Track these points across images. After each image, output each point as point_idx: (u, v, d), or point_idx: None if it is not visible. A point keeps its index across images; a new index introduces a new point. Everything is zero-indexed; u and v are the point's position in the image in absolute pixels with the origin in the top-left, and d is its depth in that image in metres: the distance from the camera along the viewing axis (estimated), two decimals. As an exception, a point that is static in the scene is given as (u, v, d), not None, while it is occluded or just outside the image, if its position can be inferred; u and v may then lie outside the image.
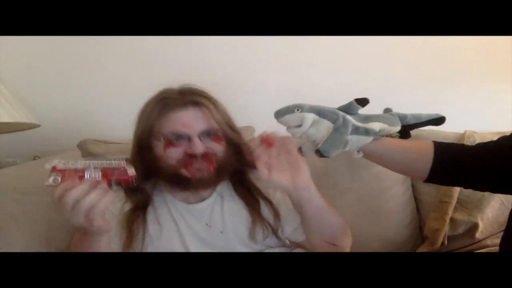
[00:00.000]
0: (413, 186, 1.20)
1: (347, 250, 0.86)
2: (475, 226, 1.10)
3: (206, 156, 0.79)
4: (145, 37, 1.34)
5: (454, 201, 1.11)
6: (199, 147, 0.77)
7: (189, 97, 0.81)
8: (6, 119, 1.09)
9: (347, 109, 0.75)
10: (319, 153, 0.71)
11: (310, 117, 0.71)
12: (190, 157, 0.78)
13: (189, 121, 0.78)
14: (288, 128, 0.73)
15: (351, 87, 1.42)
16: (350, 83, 1.42)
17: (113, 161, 0.66)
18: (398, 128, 0.80)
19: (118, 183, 0.65)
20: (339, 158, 1.13)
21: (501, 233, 1.13)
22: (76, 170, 0.64)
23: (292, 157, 0.76)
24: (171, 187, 0.85)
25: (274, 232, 0.85)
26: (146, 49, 1.38)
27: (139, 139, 0.82)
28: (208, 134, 0.80)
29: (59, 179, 0.63)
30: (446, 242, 1.10)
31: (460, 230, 1.11)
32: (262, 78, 1.41)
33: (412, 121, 0.82)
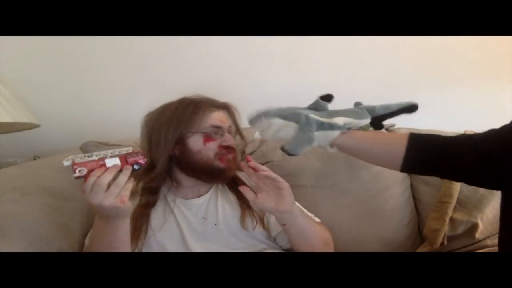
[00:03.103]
0: (412, 186, 1.20)
1: None
2: (474, 226, 1.10)
3: (233, 148, 0.94)
4: (146, 37, 1.34)
5: (453, 201, 1.11)
6: (231, 139, 0.94)
7: (217, 102, 0.96)
8: (6, 119, 1.09)
9: (315, 106, 0.81)
10: (287, 152, 0.77)
11: (276, 122, 0.78)
12: (224, 148, 0.92)
13: (223, 118, 0.94)
14: (260, 133, 0.82)
15: (351, 87, 1.42)
16: (350, 83, 1.42)
17: (123, 149, 0.74)
18: (367, 120, 0.83)
19: (139, 164, 0.74)
20: (338, 158, 1.15)
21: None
22: (96, 161, 0.71)
23: (277, 184, 0.81)
24: (195, 179, 0.94)
25: (261, 221, 0.92)
26: (147, 49, 1.38)
27: (178, 138, 0.90)
28: (230, 131, 0.96)
29: (85, 170, 0.69)
30: (445, 242, 1.10)
31: (460, 230, 1.11)
32: (262, 78, 1.41)
33: (381, 112, 0.84)
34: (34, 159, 1.29)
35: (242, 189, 0.85)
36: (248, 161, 0.83)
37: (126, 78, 1.40)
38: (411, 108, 0.83)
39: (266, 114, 0.79)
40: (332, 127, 0.77)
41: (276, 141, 0.83)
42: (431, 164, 0.72)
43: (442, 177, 0.76)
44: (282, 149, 0.80)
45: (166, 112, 0.93)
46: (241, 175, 0.98)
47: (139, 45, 1.37)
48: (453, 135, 0.74)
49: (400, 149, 0.73)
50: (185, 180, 0.94)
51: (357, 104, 0.86)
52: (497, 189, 0.74)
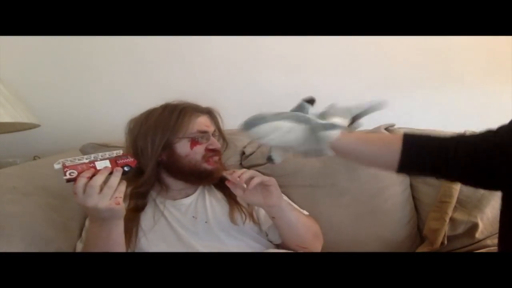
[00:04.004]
0: (411, 186, 1.20)
1: (318, 250, 0.98)
2: (475, 226, 1.10)
3: (218, 151, 0.97)
4: (146, 37, 1.34)
5: (454, 201, 1.11)
6: (217, 143, 0.97)
7: (201, 107, 0.99)
8: (6, 119, 1.09)
9: (299, 110, 0.77)
10: (321, 153, 0.72)
11: (284, 125, 0.72)
12: (210, 151, 0.94)
13: (207, 122, 0.97)
14: (260, 138, 0.72)
15: (351, 87, 1.42)
16: (350, 83, 1.42)
17: (113, 152, 0.74)
18: (347, 121, 0.81)
19: (129, 166, 0.74)
20: (337, 158, 1.14)
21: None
22: (86, 163, 0.70)
23: (264, 182, 0.83)
24: (184, 183, 0.97)
25: (251, 215, 0.94)
26: (147, 50, 1.38)
27: (165, 144, 0.92)
28: (214, 135, 0.98)
29: (75, 172, 0.69)
30: (446, 242, 1.10)
31: (460, 230, 1.11)
32: (262, 78, 1.41)
33: (356, 112, 0.82)
34: (34, 159, 1.29)
35: (230, 184, 0.86)
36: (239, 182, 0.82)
37: (126, 78, 1.40)
38: (378, 107, 0.81)
39: (268, 118, 0.72)
40: (334, 127, 0.74)
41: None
42: (428, 165, 0.70)
43: (438, 178, 0.75)
44: (269, 159, 0.76)
45: (151, 119, 0.94)
46: (226, 173, 0.99)
47: (139, 45, 1.37)
48: (448, 135, 0.72)
49: (395, 150, 0.71)
50: (174, 183, 0.97)
51: (332, 107, 0.82)
52: (494, 189, 0.73)
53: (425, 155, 0.70)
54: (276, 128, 0.71)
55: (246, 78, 1.41)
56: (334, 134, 0.72)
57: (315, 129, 0.72)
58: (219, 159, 0.97)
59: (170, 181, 0.97)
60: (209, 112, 1.00)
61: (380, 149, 0.74)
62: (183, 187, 0.97)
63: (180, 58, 1.39)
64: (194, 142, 0.93)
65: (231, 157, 1.17)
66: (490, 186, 0.73)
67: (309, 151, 0.73)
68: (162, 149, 0.92)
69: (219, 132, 1.03)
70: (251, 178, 0.82)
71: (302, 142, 0.72)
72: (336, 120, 0.75)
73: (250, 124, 0.72)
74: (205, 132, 0.95)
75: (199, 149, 0.93)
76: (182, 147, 0.93)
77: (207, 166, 0.93)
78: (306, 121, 0.73)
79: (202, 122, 0.95)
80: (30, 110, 1.21)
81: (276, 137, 0.71)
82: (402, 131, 1.20)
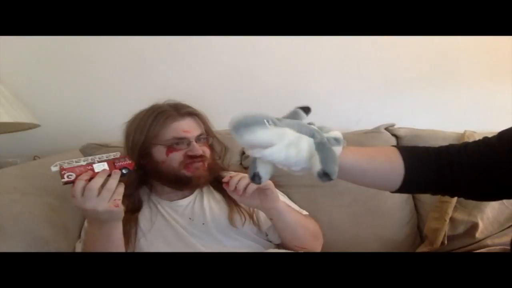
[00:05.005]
0: (412, 186, 1.20)
1: (318, 250, 0.97)
2: (475, 226, 1.10)
3: (201, 156, 0.91)
4: (146, 37, 1.34)
5: (454, 201, 1.11)
6: (198, 149, 0.90)
7: (184, 109, 0.94)
8: (6, 119, 1.09)
9: (293, 118, 0.60)
10: (327, 176, 0.53)
11: (291, 133, 0.54)
12: (190, 158, 0.90)
13: (188, 128, 0.92)
14: (253, 149, 0.54)
15: (351, 87, 1.42)
16: (350, 83, 1.42)
17: (110, 154, 0.74)
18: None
19: (127, 168, 0.74)
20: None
21: (501, 233, 1.12)
22: (84, 166, 0.70)
23: (261, 187, 0.83)
24: (169, 188, 0.95)
25: (251, 217, 0.93)
26: (147, 50, 1.38)
27: (141, 148, 0.90)
28: (199, 139, 0.93)
29: (73, 175, 0.68)
30: (446, 242, 1.10)
31: (460, 229, 1.11)
32: (262, 78, 1.41)
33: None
34: (34, 159, 1.29)
35: (227, 188, 0.86)
36: (235, 191, 0.83)
37: (126, 78, 1.40)
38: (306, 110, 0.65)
39: (269, 119, 0.53)
40: (338, 142, 0.59)
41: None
42: (431, 178, 0.65)
43: (436, 191, 0.69)
44: (255, 176, 0.57)
45: (136, 121, 0.93)
46: (225, 178, 0.95)
47: (139, 45, 1.37)
48: (443, 144, 0.68)
49: (398, 166, 0.64)
50: (161, 187, 0.96)
51: (297, 114, 0.62)
52: (496, 199, 0.69)
53: (428, 168, 0.64)
54: (281, 137, 0.53)
55: (246, 78, 1.40)
56: (339, 149, 0.59)
57: (324, 144, 0.56)
58: (203, 165, 0.91)
59: (157, 184, 0.96)
60: (192, 115, 0.95)
61: (384, 165, 0.65)
62: (172, 190, 0.96)
63: (180, 58, 1.39)
64: (170, 149, 0.89)
65: (231, 157, 1.17)
66: (495, 195, 0.69)
67: (309, 170, 0.56)
68: (142, 153, 0.90)
69: (212, 135, 0.98)
70: (248, 184, 0.82)
71: (307, 159, 0.55)
72: (338, 133, 0.60)
73: (242, 126, 0.51)
74: (182, 138, 0.90)
75: (176, 156, 0.89)
76: (158, 153, 0.90)
77: (186, 173, 0.89)
78: (311, 132, 0.57)
79: (179, 128, 0.90)
80: (30, 110, 1.21)
81: (278, 150, 0.53)
82: (402, 131, 1.21)
